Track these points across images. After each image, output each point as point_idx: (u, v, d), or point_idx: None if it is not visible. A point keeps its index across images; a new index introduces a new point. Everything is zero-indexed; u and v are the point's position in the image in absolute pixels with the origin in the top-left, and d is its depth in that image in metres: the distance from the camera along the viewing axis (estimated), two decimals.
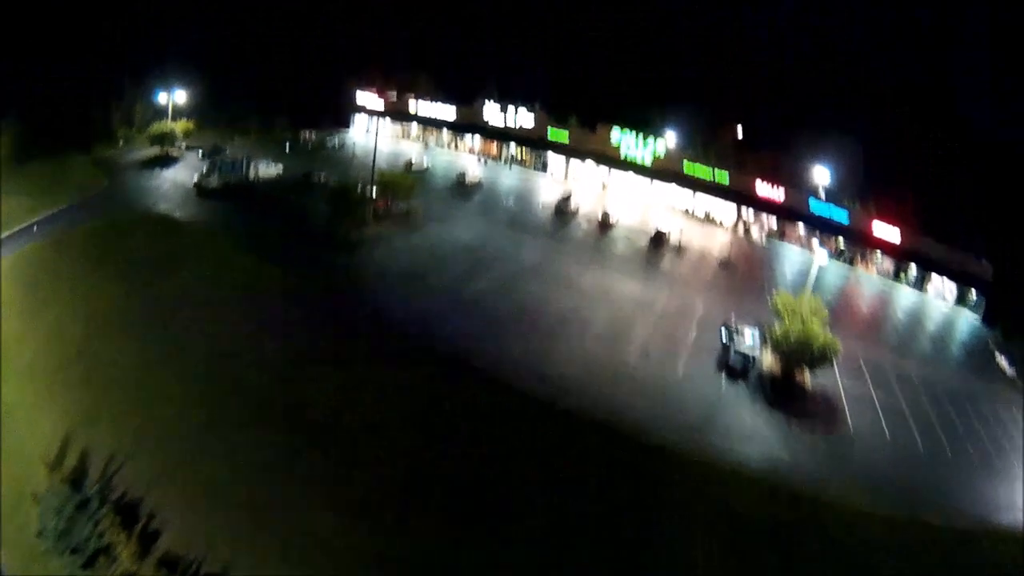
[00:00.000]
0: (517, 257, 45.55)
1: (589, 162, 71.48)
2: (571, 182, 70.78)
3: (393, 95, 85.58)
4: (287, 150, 70.00)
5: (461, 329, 34.04)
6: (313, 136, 77.36)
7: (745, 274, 51.09)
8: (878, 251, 59.63)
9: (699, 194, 65.67)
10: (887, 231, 56.99)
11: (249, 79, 74.02)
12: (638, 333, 36.62)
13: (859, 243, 60.11)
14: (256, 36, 79.43)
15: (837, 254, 60.85)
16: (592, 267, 45.55)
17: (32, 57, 64.05)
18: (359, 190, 49.13)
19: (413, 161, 68.03)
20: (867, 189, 59.85)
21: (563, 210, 58.11)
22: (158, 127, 63.66)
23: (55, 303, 35.29)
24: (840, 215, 59.24)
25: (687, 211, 66.19)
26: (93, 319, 33.49)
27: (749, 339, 34.74)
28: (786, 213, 62.59)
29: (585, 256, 48.22)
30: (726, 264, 52.22)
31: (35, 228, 44.08)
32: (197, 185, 53.06)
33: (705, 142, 67.54)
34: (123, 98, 68.78)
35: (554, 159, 74.72)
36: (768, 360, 34.25)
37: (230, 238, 42.77)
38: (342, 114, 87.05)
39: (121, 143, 67.70)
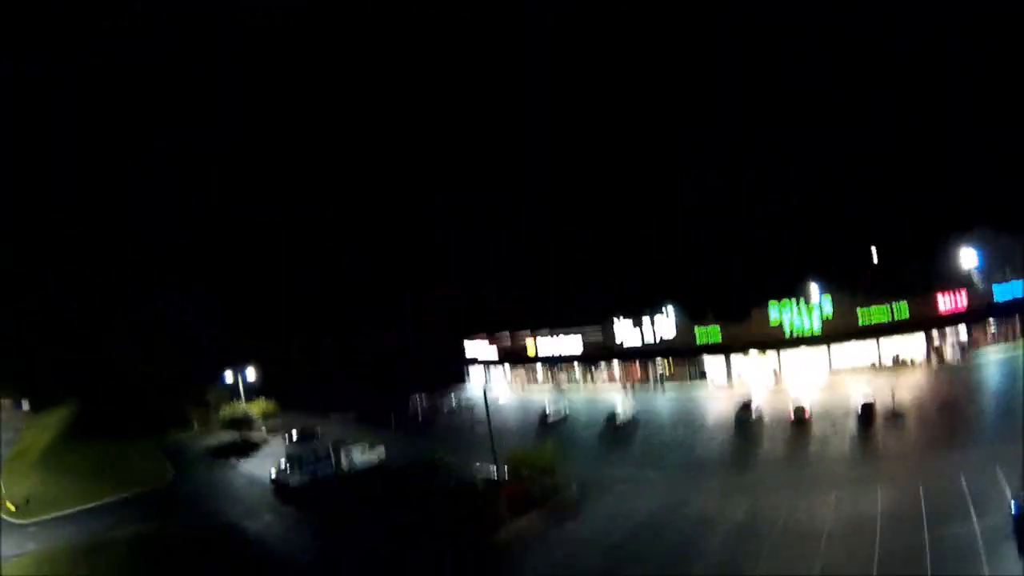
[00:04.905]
0: (718, 516, 30.09)
1: (752, 353, 60.92)
2: (739, 383, 59.70)
3: (507, 337, 75.22)
4: (392, 423, 58.50)
5: None
6: (423, 401, 66.16)
7: (978, 415, 40.13)
8: None
9: (879, 339, 57.31)
10: None
11: (341, 347, 66.59)
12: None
13: None
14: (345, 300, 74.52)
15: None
16: (815, 490, 31.46)
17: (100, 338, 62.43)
18: (480, 479, 36.94)
19: (547, 411, 54.90)
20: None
21: (745, 421, 45.69)
22: (230, 409, 55.90)
23: None
24: (1018, 287, 54.66)
25: (872, 365, 57.05)
26: None
27: None
28: (972, 317, 55.79)
29: (801, 475, 34.40)
30: (951, 411, 41.10)
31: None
32: (275, 482, 41.90)
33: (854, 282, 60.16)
34: (194, 379, 62.29)
35: (714, 361, 62.55)
36: None
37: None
38: (453, 370, 76.69)
39: (195, 427, 60.98)
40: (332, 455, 43.93)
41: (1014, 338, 54.35)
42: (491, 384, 75.49)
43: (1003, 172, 64.49)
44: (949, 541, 24.02)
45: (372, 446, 46.81)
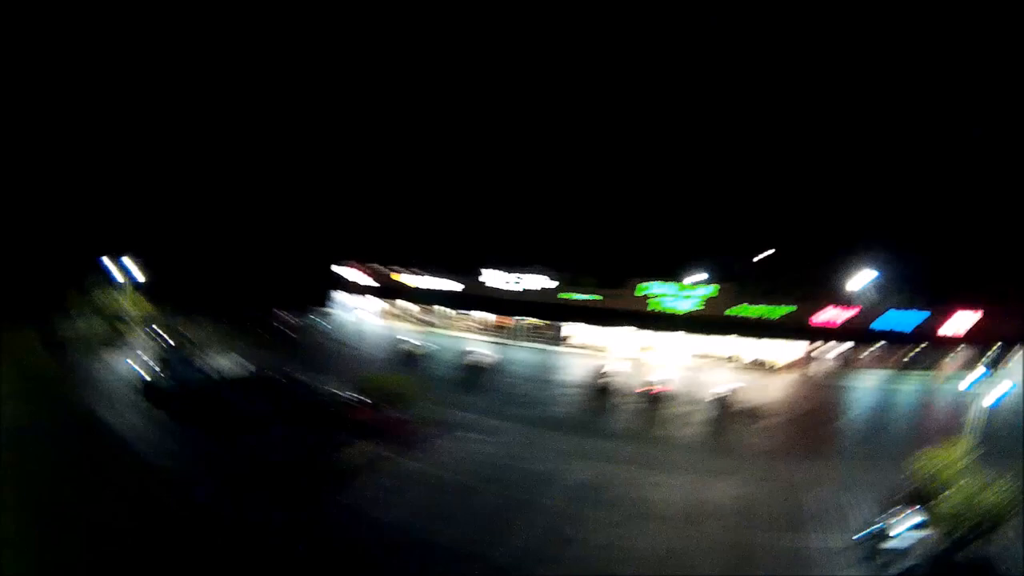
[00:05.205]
0: (560, 474, 30.79)
1: (622, 325, 62.54)
2: (603, 350, 61.48)
3: (382, 268, 76.70)
4: (262, 338, 58.47)
5: None
6: (293, 320, 66.28)
7: (840, 431, 41.23)
8: (957, 344, 55.32)
9: (750, 336, 58.95)
10: (961, 319, 54.45)
11: (215, 253, 65.98)
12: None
13: (937, 341, 55.40)
14: (223, 205, 72.98)
15: (910, 364, 55.82)
16: (662, 469, 31.98)
17: None
18: (336, 398, 36.73)
19: (410, 345, 56.26)
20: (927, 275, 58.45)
21: (601, 389, 46.26)
22: (110, 303, 53.69)
23: None
24: (914, 317, 55.62)
25: (744, 359, 58.99)
26: None
27: (906, 524, 23.38)
28: (856, 336, 57.06)
29: (649, 453, 34.44)
30: (813, 421, 42.34)
31: None
32: (146, 385, 40.71)
33: (740, 275, 62.66)
34: (76, 266, 59.52)
35: (578, 326, 64.87)
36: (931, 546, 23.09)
37: (164, 478, 28.54)
38: (324, 293, 77.43)
39: (76, 318, 56.63)
40: (201, 363, 43.76)
41: (894, 366, 55.87)
42: (359, 312, 77.29)
43: (916, 206, 68.83)
44: (794, 549, 24.23)
45: (239, 357, 46.72)
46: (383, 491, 27.98)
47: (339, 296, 79.04)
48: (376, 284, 77.26)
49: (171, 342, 51.91)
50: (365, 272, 77.79)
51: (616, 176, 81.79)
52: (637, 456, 33.83)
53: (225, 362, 45.25)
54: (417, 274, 74.51)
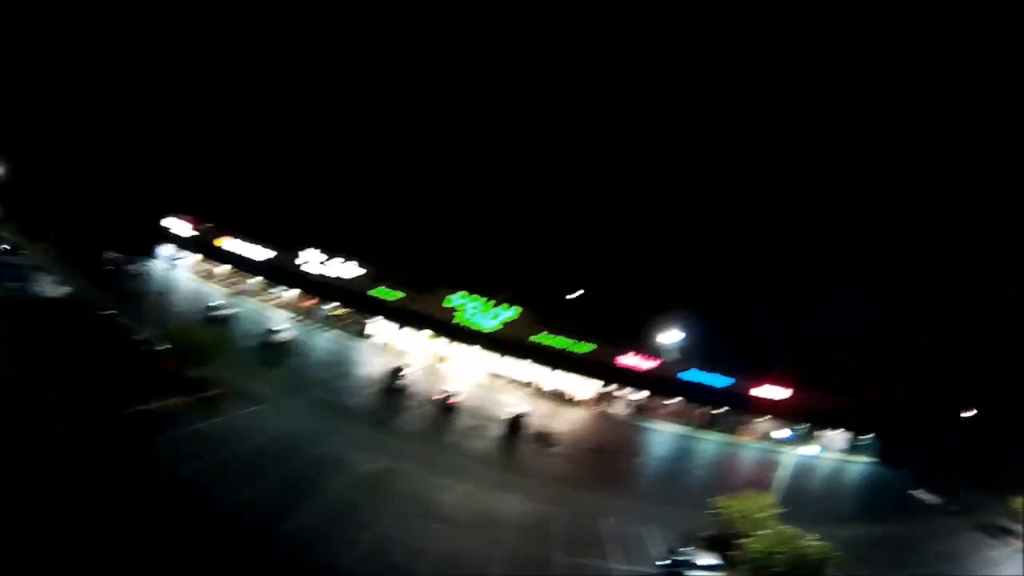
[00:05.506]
0: (351, 461, 31.14)
1: (424, 329, 64.52)
2: (401, 351, 63.31)
3: (208, 227, 79.41)
4: (83, 270, 59.88)
5: None
6: (118, 261, 68.28)
7: (638, 466, 44.63)
8: (761, 414, 57.77)
9: (549, 366, 60.44)
10: (771, 391, 55.50)
11: (63, 180, 68.02)
12: None
13: (741, 407, 57.54)
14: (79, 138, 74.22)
15: (711, 422, 58.09)
16: (451, 474, 32.94)
17: None
18: (143, 341, 36.50)
19: (215, 307, 57.27)
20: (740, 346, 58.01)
21: (396, 388, 47.65)
22: None
23: None
24: (719, 380, 56.92)
25: (534, 386, 60.85)
26: None
27: (704, 561, 24.12)
28: (655, 386, 58.62)
29: (438, 458, 35.53)
30: (604, 456, 44.26)
31: None
32: None
33: (547, 305, 63.57)
34: None
35: (383, 323, 66.95)
36: None
37: None
38: (151, 241, 78.58)
39: None
40: (28, 278, 46.19)
41: (695, 422, 58.00)
42: (178, 266, 79.94)
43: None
44: (584, 567, 24.59)
45: (60, 283, 49.19)
46: (179, 446, 27.23)
47: (163, 247, 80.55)
48: (199, 241, 79.76)
49: (10, 253, 54.61)
50: (191, 227, 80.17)
51: (442, 185, 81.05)
52: (426, 458, 34.28)
53: (49, 284, 48.13)
54: (238, 239, 77.66)
